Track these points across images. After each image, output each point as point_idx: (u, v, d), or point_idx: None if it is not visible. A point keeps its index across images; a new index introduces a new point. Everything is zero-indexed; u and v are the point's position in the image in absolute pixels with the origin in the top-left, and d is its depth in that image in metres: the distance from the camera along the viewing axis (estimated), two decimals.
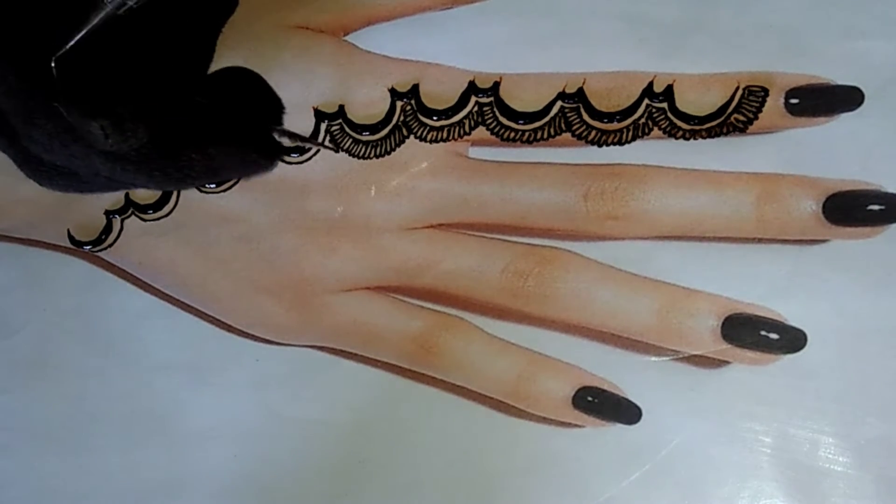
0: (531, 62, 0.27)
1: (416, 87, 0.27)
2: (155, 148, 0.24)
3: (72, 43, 0.22)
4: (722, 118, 0.26)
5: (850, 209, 0.25)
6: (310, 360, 0.29)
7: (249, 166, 0.26)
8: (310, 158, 0.26)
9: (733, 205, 0.26)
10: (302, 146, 0.26)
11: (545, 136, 0.27)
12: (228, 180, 0.26)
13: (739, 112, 0.26)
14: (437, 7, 0.28)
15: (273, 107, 0.26)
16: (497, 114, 0.27)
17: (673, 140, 0.27)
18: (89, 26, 0.22)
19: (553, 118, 0.27)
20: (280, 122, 0.26)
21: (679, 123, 0.27)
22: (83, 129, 0.22)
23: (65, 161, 0.24)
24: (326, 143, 0.26)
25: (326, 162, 0.27)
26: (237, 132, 0.25)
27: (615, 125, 0.27)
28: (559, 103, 0.27)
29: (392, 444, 0.29)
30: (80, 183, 0.26)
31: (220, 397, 0.29)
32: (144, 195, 0.27)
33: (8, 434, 0.29)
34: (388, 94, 0.27)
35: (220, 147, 0.25)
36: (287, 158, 0.26)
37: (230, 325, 0.29)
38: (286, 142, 0.26)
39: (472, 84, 0.27)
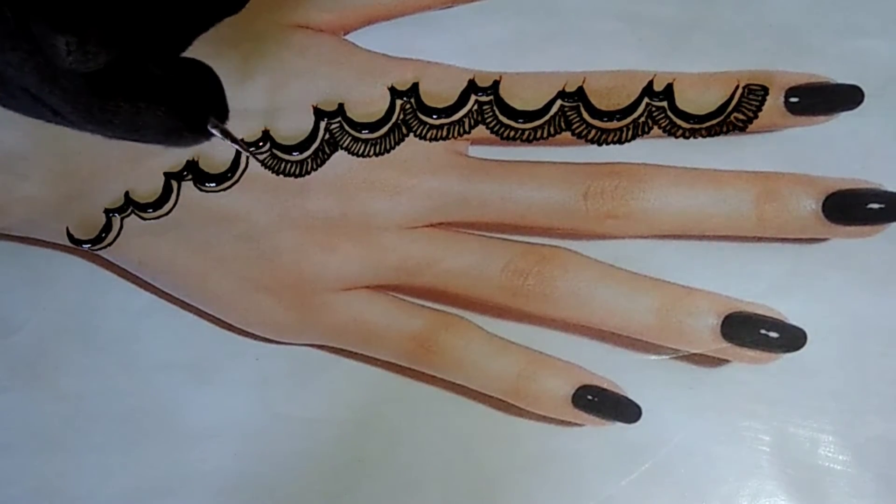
0: (531, 61, 0.28)
1: (415, 86, 0.27)
2: (89, 82, 0.24)
3: None
4: (722, 117, 0.26)
5: (849, 208, 0.25)
6: (310, 358, 0.29)
7: (172, 135, 0.25)
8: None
9: (733, 203, 0.26)
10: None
11: (545, 134, 0.27)
12: (148, 142, 0.26)
13: (739, 111, 0.26)
14: (436, 6, 0.28)
15: (219, 106, 0.25)
16: (497, 112, 0.27)
17: (673, 139, 0.27)
18: None
19: (553, 117, 0.27)
20: (225, 119, 0.25)
21: (679, 122, 0.27)
22: (47, 41, 0.22)
23: None
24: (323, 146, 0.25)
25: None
26: (174, 98, 0.25)
27: (615, 124, 0.27)
28: (559, 102, 0.27)
29: (392, 442, 0.29)
30: (2, 95, 0.25)
31: (220, 396, 0.29)
32: (144, 194, 0.27)
33: (7, 432, 0.29)
34: (388, 93, 0.27)
35: (151, 105, 0.24)
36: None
37: (230, 324, 0.29)
38: (218, 134, 0.25)
39: (471, 83, 0.27)
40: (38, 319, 0.30)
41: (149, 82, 0.24)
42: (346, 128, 0.27)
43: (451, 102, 0.27)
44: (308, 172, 0.27)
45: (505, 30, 0.29)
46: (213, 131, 0.24)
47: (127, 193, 0.27)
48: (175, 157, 0.27)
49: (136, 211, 0.27)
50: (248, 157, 0.27)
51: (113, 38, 0.22)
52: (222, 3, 0.24)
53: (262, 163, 0.26)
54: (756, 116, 0.26)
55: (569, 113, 0.27)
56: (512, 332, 0.28)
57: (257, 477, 0.29)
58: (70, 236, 0.28)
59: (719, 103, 0.26)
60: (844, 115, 0.26)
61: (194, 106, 0.24)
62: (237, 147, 0.25)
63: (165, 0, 0.23)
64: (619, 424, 0.27)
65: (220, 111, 0.25)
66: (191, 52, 0.27)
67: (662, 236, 0.28)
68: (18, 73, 0.23)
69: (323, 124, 0.27)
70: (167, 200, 0.27)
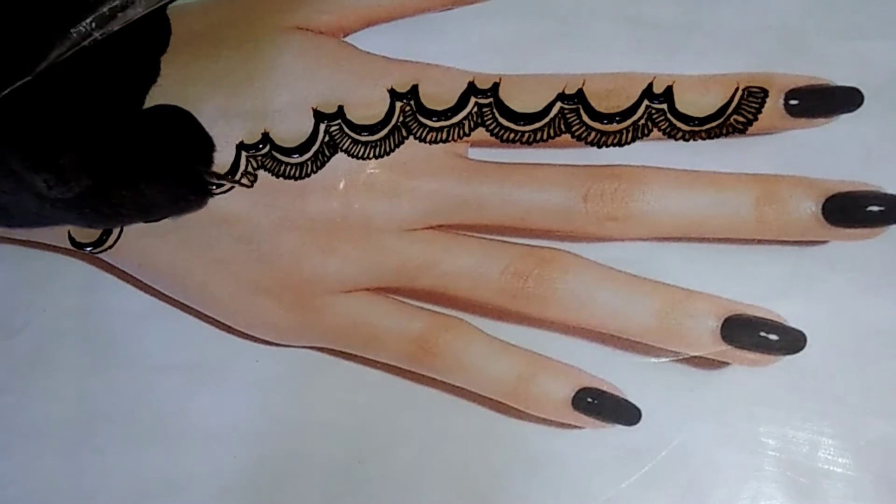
0: (531, 63, 0.28)
1: (415, 88, 0.27)
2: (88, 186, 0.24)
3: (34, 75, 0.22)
4: (721, 119, 0.26)
5: (849, 210, 0.25)
6: (310, 360, 0.29)
7: (179, 203, 0.26)
8: (228, 190, 0.27)
9: (733, 206, 0.26)
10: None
11: (545, 137, 0.27)
12: (157, 219, 0.26)
13: (739, 113, 0.26)
14: (436, 8, 0.28)
15: (204, 145, 0.26)
16: (497, 115, 0.27)
17: (672, 141, 0.27)
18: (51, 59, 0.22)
19: (552, 119, 0.27)
20: (210, 160, 0.26)
21: (679, 124, 0.27)
22: (27, 179, 0.23)
23: None
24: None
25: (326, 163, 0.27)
26: (169, 169, 0.25)
27: (615, 126, 0.27)
28: (559, 104, 0.27)
29: (392, 444, 0.29)
30: (8, 217, 0.26)
31: (220, 398, 0.29)
32: None
33: (7, 433, 0.29)
34: (388, 95, 0.27)
35: (152, 184, 0.25)
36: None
37: (230, 326, 0.29)
38: (212, 180, 0.26)
39: (471, 85, 0.27)
40: (38, 321, 0.30)
41: (138, 160, 0.24)
42: (346, 130, 0.27)
43: (450, 105, 0.27)
44: (308, 175, 0.27)
45: (505, 32, 0.29)
46: (213, 182, 0.25)
47: None
48: None
49: None
50: (248, 159, 0.27)
51: (88, 164, 0.23)
52: (154, 43, 0.24)
53: (265, 167, 0.27)
54: (756, 119, 0.26)
55: (568, 115, 0.27)
56: (512, 334, 0.28)
57: (257, 479, 0.29)
58: (71, 239, 0.28)
59: (719, 105, 0.26)
60: (844, 118, 0.26)
61: (190, 168, 0.25)
62: (237, 185, 0.26)
63: (110, 78, 0.23)
64: (619, 427, 0.27)
65: (208, 153, 0.25)
66: (191, 53, 0.27)
67: (662, 238, 0.28)
68: (15, 199, 0.24)
69: (323, 126, 0.27)
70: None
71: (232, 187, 0.26)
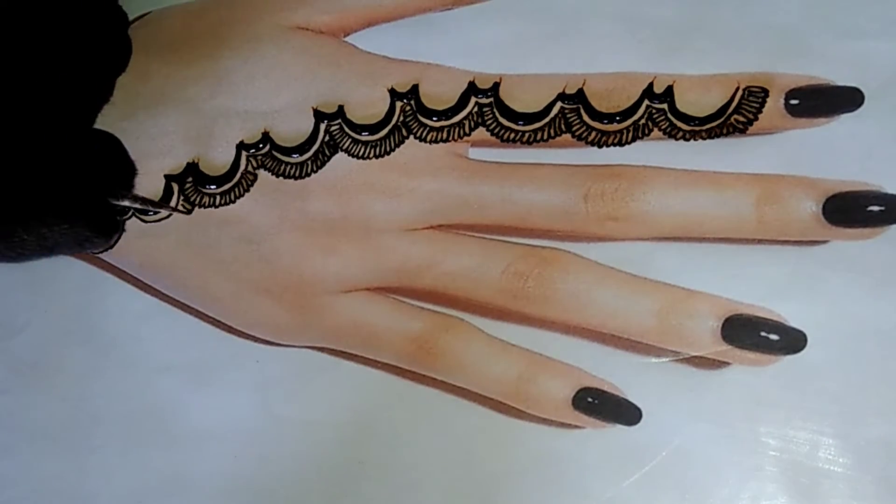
0: (531, 63, 0.28)
1: (415, 88, 0.27)
2: None
3: None
4: (722, 119, 0.26)
5: (850, 210, 0.25)
6: (310, 361, 0.29)
7: (84, 244, 0.26)
8: (165, 218, 0.27)
9: (733, 206, 0.26)
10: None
11: (545, 136, 0.27)
12: (63, 254, 0.26)
13: (739, 113, 0.26)
14: (437, 8, 0.28)
15: (125, 171, 0.26)
16: (497, 114, 0.27)
17: (673, 141, 0.27)
18: None
19: (553, 119, 0.27)
20: (130, 187, 0.26)
21: (679, 124, 0.27)
22: None
23: None
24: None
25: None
26: (69, 210, 0.25)
27: (615, 126, 0.27)
28: (559, 104, 0.27)
29: (392, 444, 0.29)
30: None
31: (220, 398, 0.29)
32: (145, 195, 0.27)
33: (8, 434, 0.29)
34: (388, 95, 0.27)
35: (53, 226, 0.25)
36: (146, 218, 0.27)
37: (230, 326, 0.29)
38: (137, 205, 0.26)
39: (472, 85, 0.27)
40: (39, 321, 0.30)
41: (38, 201, 0.24)
42: (346, 130, 0.27)
43: (451, 104, 0.27)
44: (308, 174, 0.27)
45: (505, 32, 0.29)
46: (134, 204, 0.25)
47: None
48: (176, 159, 0.27)
49: (137, 214, 0.27)
50: (248, 158, 0.27)
51: None
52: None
53: (265, 167, 0.27)
54: (756, 118, 0.26)
55: (569, 115, 0.27)
56: (512, 334, 0.28)
57: (257, 479, 0.29)
58: None
59: (720, 105, 0.26)
60: (844, 117, 0.26)
61: (94, 208, 0.24)
62: (161, 209, 0.26)
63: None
64: (620, 427, 0.27)
65: (126, 179, 0.25)
66: (192, 53, 0.27)
67: (663, 238, 0.28)
68: None
69: (323, 126, 0.27)
70: (167, 203, 0.27)
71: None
